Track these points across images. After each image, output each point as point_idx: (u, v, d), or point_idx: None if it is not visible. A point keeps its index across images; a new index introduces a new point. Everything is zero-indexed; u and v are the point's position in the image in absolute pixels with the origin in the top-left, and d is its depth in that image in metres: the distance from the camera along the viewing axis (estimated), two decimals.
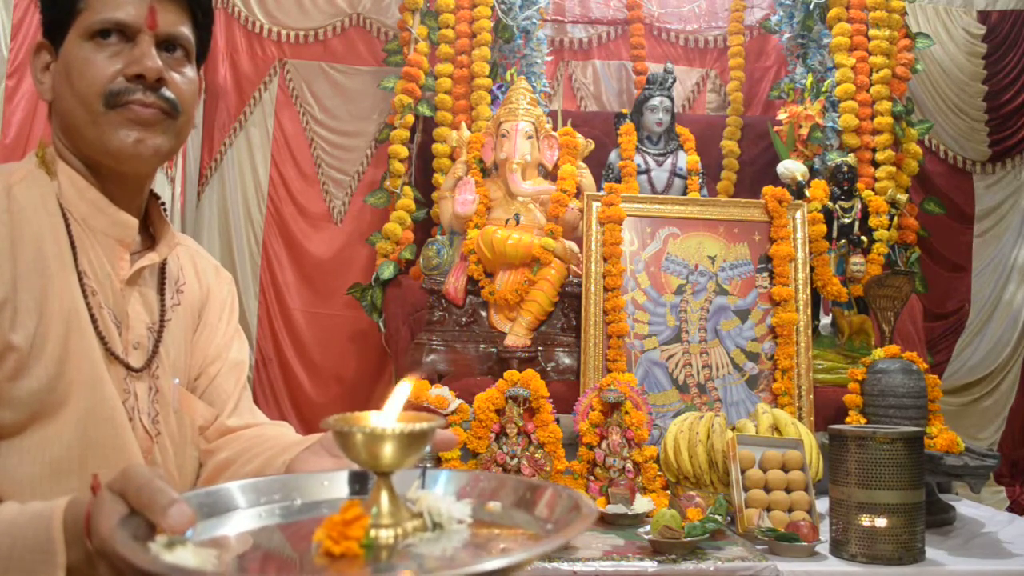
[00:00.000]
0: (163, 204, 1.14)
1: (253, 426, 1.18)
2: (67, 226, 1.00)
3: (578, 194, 3.20)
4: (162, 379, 1.07)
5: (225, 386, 1.19)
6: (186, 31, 1.04)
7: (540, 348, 3.03)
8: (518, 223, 3.18)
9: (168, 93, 1.01)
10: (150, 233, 1.12)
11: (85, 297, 0.98)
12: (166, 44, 1.02)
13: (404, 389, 0.69)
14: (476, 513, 0.67)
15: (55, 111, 1.04)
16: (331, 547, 0.58)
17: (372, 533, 0.60)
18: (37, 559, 0.71)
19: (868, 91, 3.70)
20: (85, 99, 0.98)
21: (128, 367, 1.02)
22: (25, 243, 0.95)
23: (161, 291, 1.11)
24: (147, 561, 0.56)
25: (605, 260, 3.00)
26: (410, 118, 3.73)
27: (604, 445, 2.50)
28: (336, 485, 0.75)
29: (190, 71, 1.05)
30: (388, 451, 0.63)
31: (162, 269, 1.12)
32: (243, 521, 0.69)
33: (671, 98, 3.59)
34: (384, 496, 0.64)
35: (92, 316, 0.98)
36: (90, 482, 0.70)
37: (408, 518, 0.63)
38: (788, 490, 2.18)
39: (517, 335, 3.03)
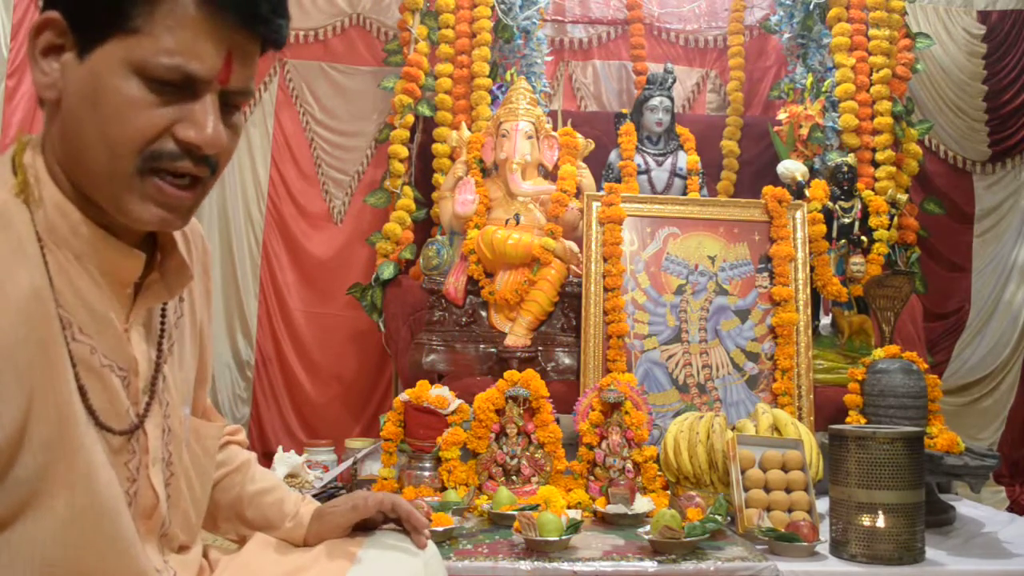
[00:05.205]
0: None
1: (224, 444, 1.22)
2: (49, 278, 0.83)
3: (578, 194, 3.20)
4: (172, 405, 0.99)
5: (200, 395, 1.14)
6: (252, 85, 0.89)
7: (540, 348, 3.03)
8: (518, 223, 3.18)
9: (213, 159, 0.87)
10: (151, 235, 0.96)
11: (77, 379, 0.85)
12: (227, 96, 0.87)
13: None
14: None
15: (60, 123, 0.85)
16: None
17: None
18: None
19: (868, 91, 3.70)
20: (115, 148, 0.82)
21: (133, 428, 0.92)
22: (4, 322, 0.79)
23: (162, 310, 0.99)
24: None
25: (605, 260, 3.00)
26: (410, 118, 3.72)
27: (604, 445, 2.49)
28: None
29: (238, 118, 0.91)
30: None
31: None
32: None
33: (671, 98, 3.59)
34: None
35: (82, 389, 0.85)
36: None
37: None
38: (788, 490, 2.18)
39: (517, 335, 3.03)
